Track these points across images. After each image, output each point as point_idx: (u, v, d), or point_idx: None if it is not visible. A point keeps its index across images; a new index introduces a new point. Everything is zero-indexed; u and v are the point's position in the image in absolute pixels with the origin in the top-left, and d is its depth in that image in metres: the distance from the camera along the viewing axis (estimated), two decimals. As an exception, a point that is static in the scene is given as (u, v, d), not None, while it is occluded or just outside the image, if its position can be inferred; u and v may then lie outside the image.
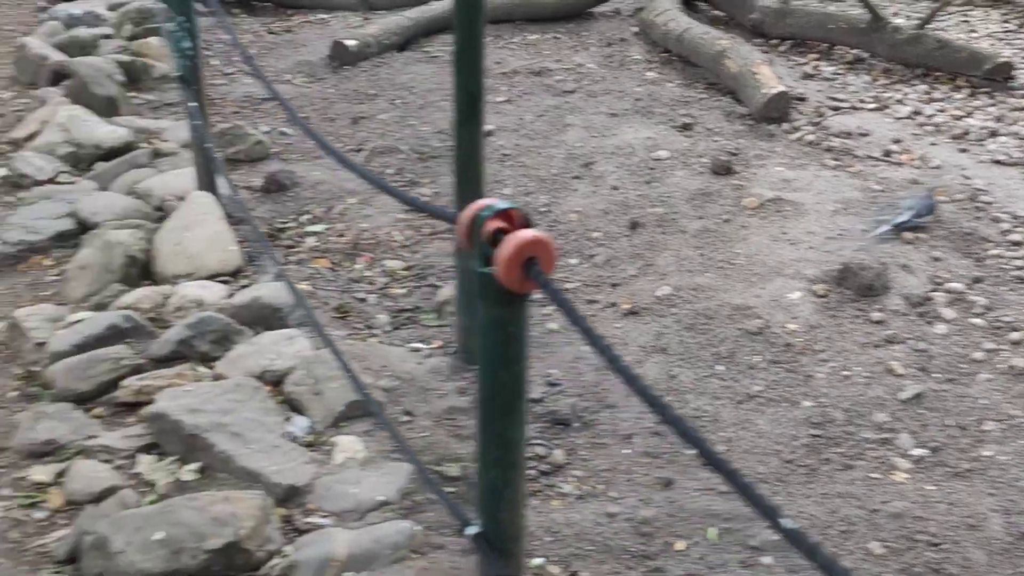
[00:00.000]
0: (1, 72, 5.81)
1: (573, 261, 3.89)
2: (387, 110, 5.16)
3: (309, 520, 2.62)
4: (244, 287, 3.60)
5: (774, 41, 6.17)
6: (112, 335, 3.25)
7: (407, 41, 6.14)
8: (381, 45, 5.97)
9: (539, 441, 2.95)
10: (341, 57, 5.81)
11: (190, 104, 3.88)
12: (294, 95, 5.39)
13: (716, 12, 6.66)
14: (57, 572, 2.55)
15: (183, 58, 3.88)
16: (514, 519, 1.87)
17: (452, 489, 2.76)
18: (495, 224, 1.67)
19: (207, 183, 4.04)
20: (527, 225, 1.68)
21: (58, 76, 5.40)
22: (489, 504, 1.86)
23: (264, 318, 3.35)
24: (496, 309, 1.69)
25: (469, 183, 3.03)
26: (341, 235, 4.05)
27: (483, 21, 2.96)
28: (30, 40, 5.74)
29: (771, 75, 5.15)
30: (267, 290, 3.41)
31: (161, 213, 4.07)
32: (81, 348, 3.20)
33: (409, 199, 2.62)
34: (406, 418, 2.99)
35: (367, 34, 5.96)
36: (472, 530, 1.88)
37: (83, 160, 4.59)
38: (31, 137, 4.81)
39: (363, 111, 5.16)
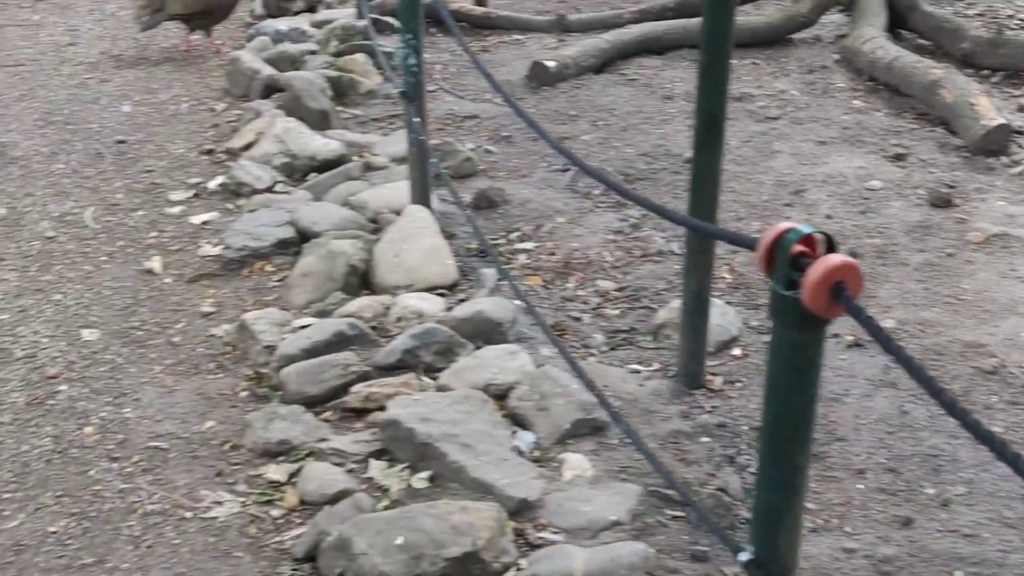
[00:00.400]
0: (214, 84, 6.07)
1: (790, 289, 3.81)
2: (589, 131, 5.18)
3: (541, 535, 2.62)
4: (462, 300, 3.65)
5: (985, 72, 5.97)
6: (338, 341, 3.34)
7: (604, 63, 6.16)
8: (579, 67, 6.01)
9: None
10: (540, 78, 5.87)
11: (413, 120, 3.97)
12: (496, 114, 5.47)
13: (922, 41, 6.47)
14: (295, 569, 2.62)
15: (408, 74, 3.97)
16: (791, 546, 1.83)
17: (680, 514, 2.73)
18: (799, 248, 1.65)
19: (422, 197, 4.12)
20: (832, 249, 1.65)
21: (269, 89, 5.61)
22: (766, 529, 1.82)
23: (485, 332, 3.38)
24: (795, 333, 1.67)
25: (704, 207, 3.01)
26: (552, 254, 4.07)
27: (731, 41, 2.94)
28: (242, 54, 5.98)
29: (990, 106, 4.98)
30: (488, 304, 3.45)
31: (376, 225, 4.17)
32: (310, 353, 3.29)
33: (697, 224, 2.61)
34: (630, 440, 2.97)
35: (566, 55, 6.01)
36: (745, 556, 1.85)
37: (297, 171, 4.75)
38: (247, 147, 5.00)
39: (565, 132, 5.19)
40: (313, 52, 6.22)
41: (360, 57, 5.93)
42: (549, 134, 2.93)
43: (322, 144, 4.78)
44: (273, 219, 4.20)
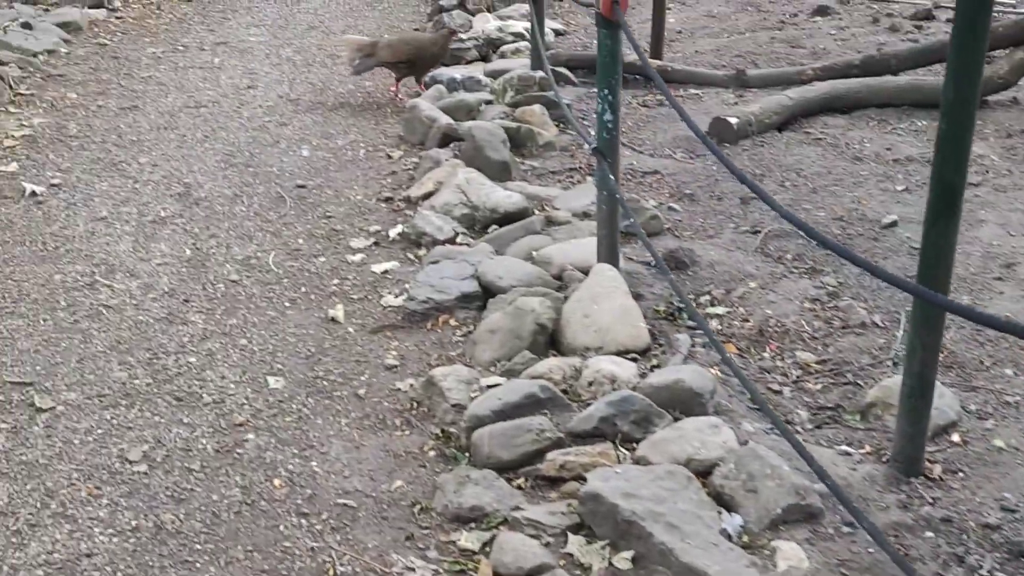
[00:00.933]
0: (389, 131, 6.11)
1: (1008, 371, 3.56)
2: (776, 192, 5.01)
3: (757, 632, 2.45)
4: (655, 367, 3.51)
5: None
6: (530, 404, 3.23)
7: (786, 121, 5.99)
8: (762, 124, 5.84)
9: (1000, 574, 2.66)
10: (721, 134, 5.73)
11: (607, 177, 3.86)
12: (677, 171, 5.34)
13: None
14: (494, 647, 2.50)
15: (603, 131, 3.87)
16: None
17: (905, 617, 2.52)
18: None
19: (610, 255, 4.01)
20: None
21: (447, 138, 5.60)
22: None
23: (683, 402, 3.24)
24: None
25: (938, 281, 2.81)
26: (745, 320, 3.91)
27: (975, 107, 2.75)
28: (419, 102, 6.00)
29: None
30: (687, 373, 3.30)
31: (560, 282, 4.08)
32: (500, 415, 3.19)
33: (941, 300, 2.41)
34: (847, 530, 2.78)
35: (748, 112, 5.85)
36: None
37: (478, 222, 4.70)
38: (427, 196, 4.99)
39: (751, 192, 5.02)
40: (489, 102, 6.21)
41: (537, 108, 5.89)
42: (769, 195, 2.77)
43: (504, 196, 4.73)
44: (457, 272, 4.15)
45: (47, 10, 8.58)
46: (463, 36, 7.34)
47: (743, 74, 6.75)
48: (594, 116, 6.19)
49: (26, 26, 7.80)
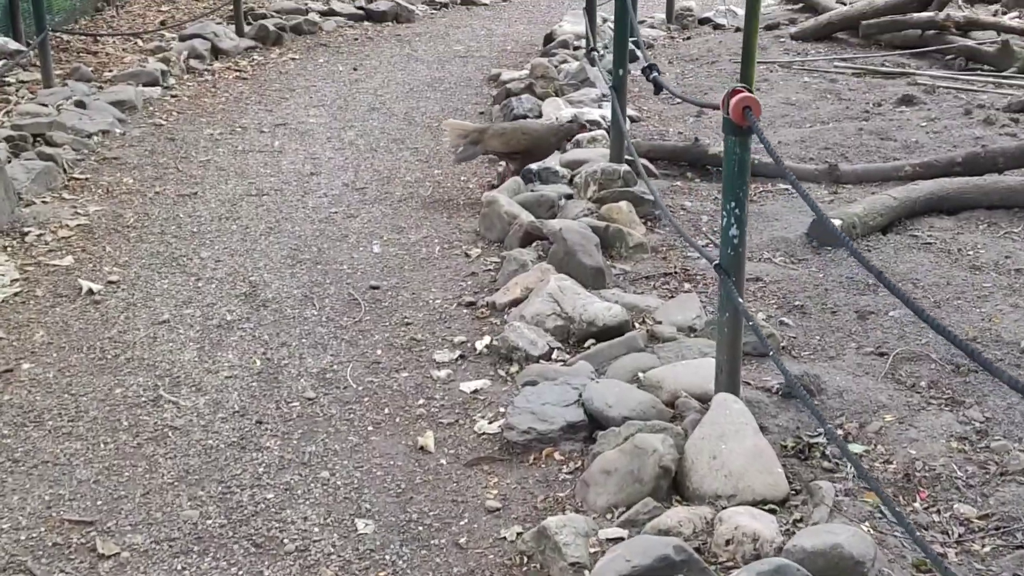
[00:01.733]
0: (464, 226, 5.78)
1: None
2: (897, 305, 4.62)
3: None
4: (796, 521, 3.11)
5: None
6: (663, 567, 2.84)
7: (890, 223, 5.62)
8: (866, 226, 5.48)
9: None
10: (823, 236, 5.36)
11: (732, 297, 3.50)
12: (780, 277, 4.97)
13: None
14: None
15: (727, 246, 3.51)
16: None
17: None
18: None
19: (730, 383, 3.63)
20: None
21: (530, 237, 5.27)
22: None
23: (843, 571, 2.83)
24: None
25: None
26: (887, 461, 3.50)
27: None
28: (498, 196, 5.67)
29: None
30: (844, 536, 2.89)
31: (674, 410, 3.70)
32: (631, 581, 2.80)
33: None
34: None
35: (852, 213, 5.48)
36: None
37: (574, 335, 4.34)
38: (514, 303, 4.64)
39: (868, 305, 4.65)
40: (569, 196, 5.89)
41: (624, 205, 5.55)
42: (942, 326, 2.38)
43: (603, 308, 4.36)
44: (559, 396, 3.77)
45: (101, 87, 8.38)
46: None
47: (836, 169, 6.40)
48: (681, 211, 5.88)
49: (80, 104, 7.58)
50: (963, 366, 4.09)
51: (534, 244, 5.26)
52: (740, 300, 3.49)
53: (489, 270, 5.17)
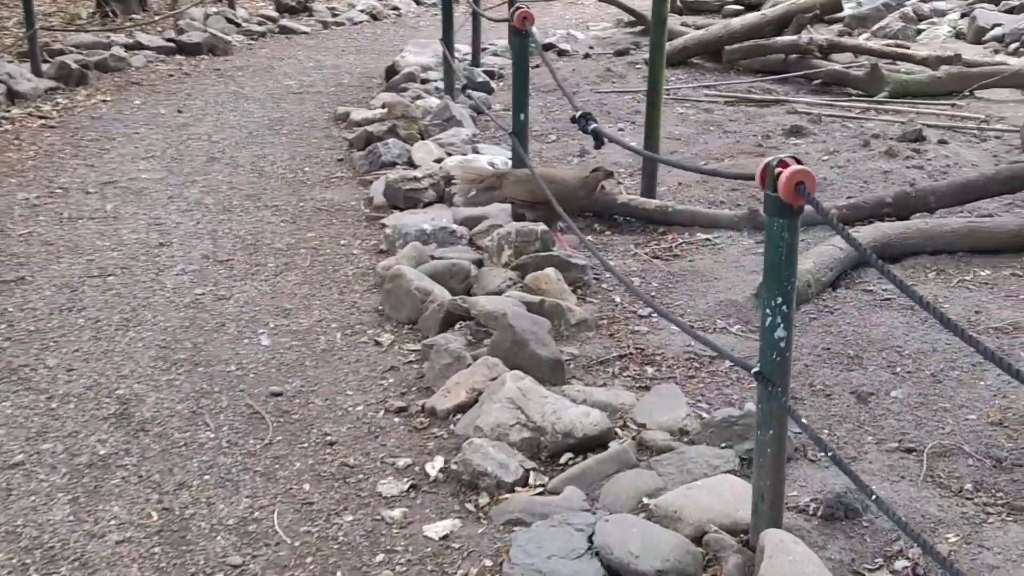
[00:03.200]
0: (363, 304, 4.99)
1: None
2: (893, 382, 4.11)
3: None
4: None
5: None
6: None
7: (838, 276, 5.16)
8: (819, 283, 4.99)
9: None
10: (778, 299, 4.83)
11: (778, 412, 2.86)
12: (748, 351, 4.39)
13: None
14: None
15: (772, 350, 2.88)
16: None
17: None
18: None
19: (772, 515, 2.99)
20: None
21: (451, 318, 4.54)
22: None
23: None
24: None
25: None
26: (977, 600, 2.94)
27: None
28: (404, 268, 4.90)
29: None
30: None
31: (704, 551, 3.04)
32: None
33: None
34: None
35: (804, 270, 4.98)
36: None
37: (545, 449, 3.63)
38: (460, 409, 3.89)
39: (861, 383, 4.12)
40: (479, 262, 5.17)
41: (552, 273, 4.87)
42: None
43: (579, 415, 3.66)
44: (564, 544, 3.04)
45: None
46: (417, 175, 6.29)
47: (757, 214, 5.91)
48: (608, 275, 5.24)
49: None
50: (1004, 460, 3.58)
51: (458, 326, 4.52)
52: (795, 415, 2.86)
53: (411, 363, 4.40)
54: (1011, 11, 11.36)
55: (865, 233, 5.43)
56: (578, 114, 4.53)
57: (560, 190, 5.24)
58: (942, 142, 7.41)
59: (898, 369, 4.25)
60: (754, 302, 4.91)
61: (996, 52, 10.34)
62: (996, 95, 8.91)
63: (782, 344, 2.89)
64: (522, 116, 5.59)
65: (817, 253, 5.15)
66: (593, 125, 4.37)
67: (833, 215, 5.86)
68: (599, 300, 4.96)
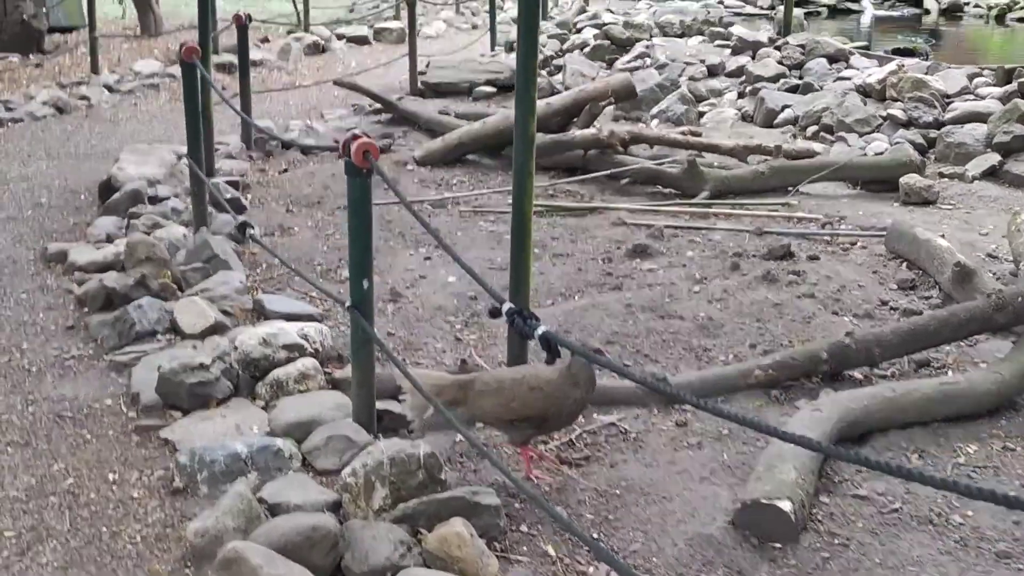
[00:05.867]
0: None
1: None
2: None
3: None
4: None
5: None
6: None
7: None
8: (808, 495, 3.81)
9: None
10: (767, 530, 3.63)
11: None
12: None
13: None
14: None
15: None
16: None
17: None
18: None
19: None
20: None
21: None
22: None
23: None
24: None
25: None
26: None
27: None
28: (242, 548, 3.29)
29: None
30: None
31: None
32: None
33: None
34: None
35: (790, 482, 3.78)
36: None
37: None
38: None
39: None
40: (335, 506, 3.65)
41: (462, 529, 3.43)
42: None
43: None
44: None
45: None
46: (204, 360, 4.63)
47: (666, 383, 4.68)
48: (525, 514, 3.81)
49: None
50: None
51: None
52: None
53: None
54: (794, 90, 10.89)
55: (832, 410, 4.31)
56: (504, 307, 3.13)
57: (549, 398, 3.85)
58: (812, 258, 6.51)
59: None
60: (733, 534, 3.66)
61: (794, 136, 9.76)
62: (821, 189, 8.21)
63: None
64: (365, 283, 4.11)
65: (792, 454, 3.95)
66: (541, 329, 2.99)
67: (758, 376, 4.78)
68: (528, 557, 3.56)
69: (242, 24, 9.97)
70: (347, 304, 4.17)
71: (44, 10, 15.30)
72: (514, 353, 4.84)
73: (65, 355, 5.26)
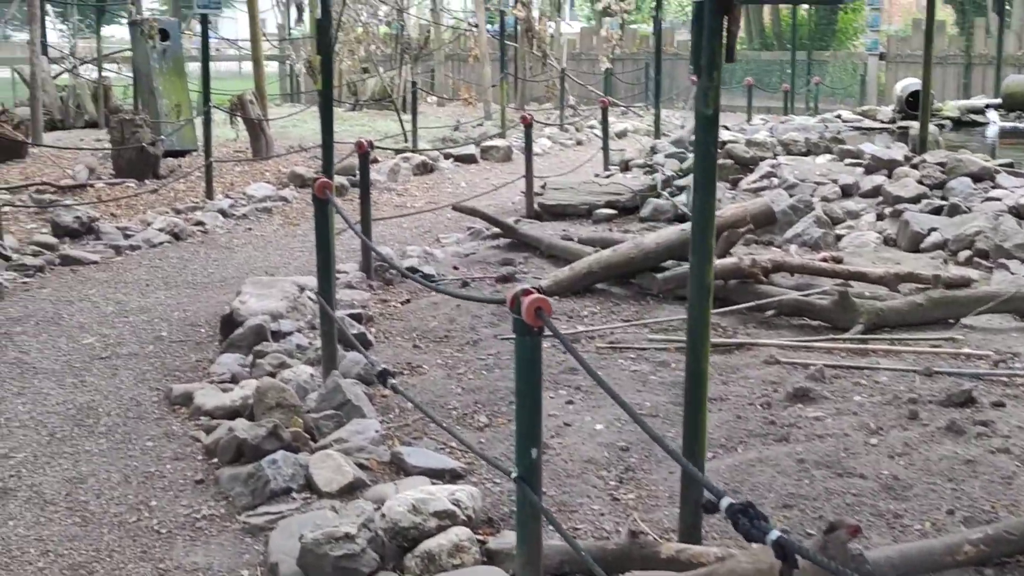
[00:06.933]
0: None
1: None
2: None
3: None
4: None
5: None
6: None
7: None
8: None
9: None
10: None
11: None
12: None
13: None
14: None
15: None
16: None
17: None
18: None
19: None
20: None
21: None
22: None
23: None
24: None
25: None
26: None
27: None
28: None
29: None
30: None
31: None
32: None
33: None
34: None
35: None
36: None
37: None
38: None
39: None
40: None
41: None
42: None
43: None
44: None
45: None
46: (349, 530, 4.26)
47: (863, 561, 4.19)
48: None
49: None
50: None
51: None
52: None
53: None
54: (938, 211, 10.41)
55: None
56: (722, 503, 2.71)
57: None
58: (997, 404, 5.98)
59: None
60: None
61: (945, 262, 9.25)
62: (985, 321, 7.67)
63: None
64: (534, 452, 3.74)
65: None
66: (775, 535, 2.56)
67: (968, 552, 4.26)
68: None
69: (364, 151, 9.85)
70: (513, 475, 3.79)
71: (162, 136, 15.51)
72: (687, 522, 4.43)
73: (196, 515, 4.95)
